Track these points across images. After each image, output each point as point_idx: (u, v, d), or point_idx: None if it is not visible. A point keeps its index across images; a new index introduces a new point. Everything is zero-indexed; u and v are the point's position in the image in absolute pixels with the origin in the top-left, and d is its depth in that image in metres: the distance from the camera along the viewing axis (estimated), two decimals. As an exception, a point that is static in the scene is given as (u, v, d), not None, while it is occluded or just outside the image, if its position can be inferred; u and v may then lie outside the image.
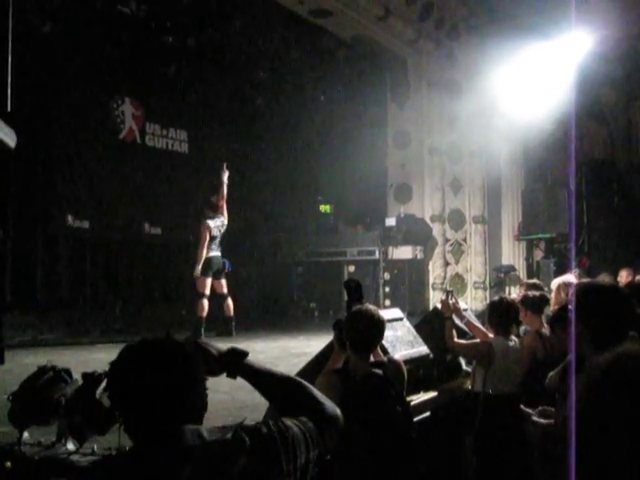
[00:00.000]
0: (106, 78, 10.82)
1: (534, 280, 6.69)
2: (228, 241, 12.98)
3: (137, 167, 11.51)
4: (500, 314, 4.66)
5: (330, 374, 3.77)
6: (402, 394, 3.86)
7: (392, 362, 3.96)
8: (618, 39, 11.56)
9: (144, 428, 1.67)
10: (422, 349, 5.09)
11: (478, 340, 4.82)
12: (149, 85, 11.61)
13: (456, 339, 4.86)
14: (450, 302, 5.05)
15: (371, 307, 3.91)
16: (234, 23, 11.39)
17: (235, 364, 1.95)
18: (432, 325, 5.72)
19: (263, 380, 1.97)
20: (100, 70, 10.56)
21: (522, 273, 12.41)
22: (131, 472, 1.61)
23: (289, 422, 1.78)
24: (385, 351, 4.23)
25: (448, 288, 10.41)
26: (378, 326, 3.77)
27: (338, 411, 1.94)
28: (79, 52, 10.14)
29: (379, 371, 3.72)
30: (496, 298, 5.02)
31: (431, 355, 5.11)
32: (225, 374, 1.98)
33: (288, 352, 8.24)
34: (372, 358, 3.82)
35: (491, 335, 4.72)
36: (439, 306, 5.26)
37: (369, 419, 3.55)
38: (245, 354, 1.97)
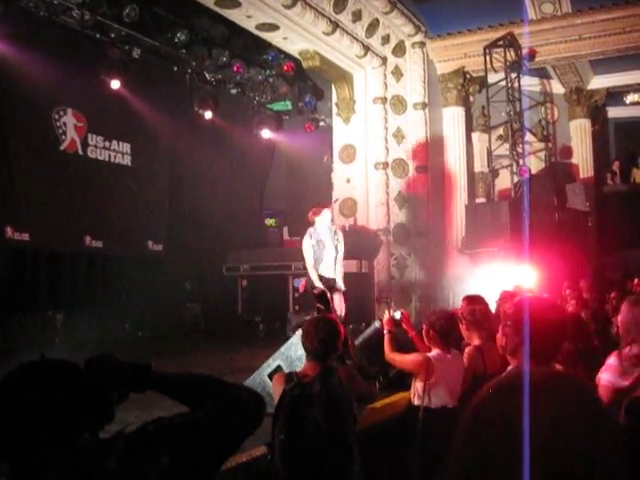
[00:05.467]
0: (48, 88, 10.61)
1: (476, 294, 6.71)
2: (173, 255, 12.90)
3: (78, 179, 11.28)
4: (438, 327, 4.62)
5: (279, 376, 3.82)
6: (344, 405, 3.79)
7: (343, 371, 3.95)
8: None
9: (17, 450, 1.63)
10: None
11: (416, 354, 4.82)
12: (92, 96, 11.41)
13: (393, 352, 4.87)
14: (396, 317, 5.09)
15: (330, 316, 3.92)
16: (179, 35, 11.33)
17: (140, 379, 1.88)
18: (375, 340, 5.75)
19: (173, 386, 1.92)
20: (42, 80, 10.35)
21: (466, 287, 12.52)
22: None
23: (179, 417, 1.75)
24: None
25: (395, 309, 10.49)
26: (334, 336, 3.77)
27: (258, 396, 1.91)
28: (21, 62, 9.92)
29: (323, 379, 3.66)
30: (434, 311, 4.99)
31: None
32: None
33: (232, 367, 8.16)
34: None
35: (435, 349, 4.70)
36: (382, 320, 5.28)
37: (288, 427, 3.53)
38: (149, 366, 1.90)
